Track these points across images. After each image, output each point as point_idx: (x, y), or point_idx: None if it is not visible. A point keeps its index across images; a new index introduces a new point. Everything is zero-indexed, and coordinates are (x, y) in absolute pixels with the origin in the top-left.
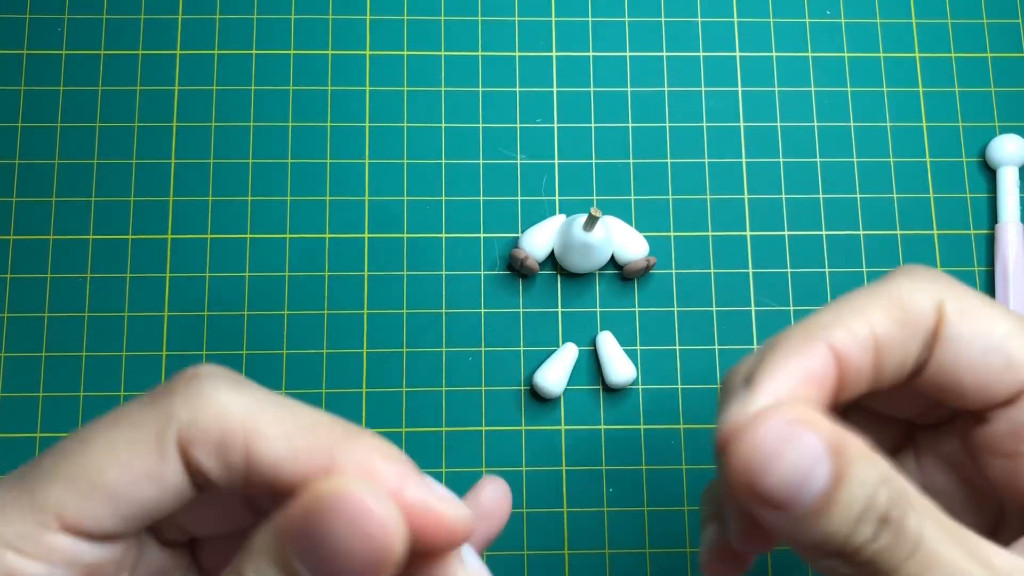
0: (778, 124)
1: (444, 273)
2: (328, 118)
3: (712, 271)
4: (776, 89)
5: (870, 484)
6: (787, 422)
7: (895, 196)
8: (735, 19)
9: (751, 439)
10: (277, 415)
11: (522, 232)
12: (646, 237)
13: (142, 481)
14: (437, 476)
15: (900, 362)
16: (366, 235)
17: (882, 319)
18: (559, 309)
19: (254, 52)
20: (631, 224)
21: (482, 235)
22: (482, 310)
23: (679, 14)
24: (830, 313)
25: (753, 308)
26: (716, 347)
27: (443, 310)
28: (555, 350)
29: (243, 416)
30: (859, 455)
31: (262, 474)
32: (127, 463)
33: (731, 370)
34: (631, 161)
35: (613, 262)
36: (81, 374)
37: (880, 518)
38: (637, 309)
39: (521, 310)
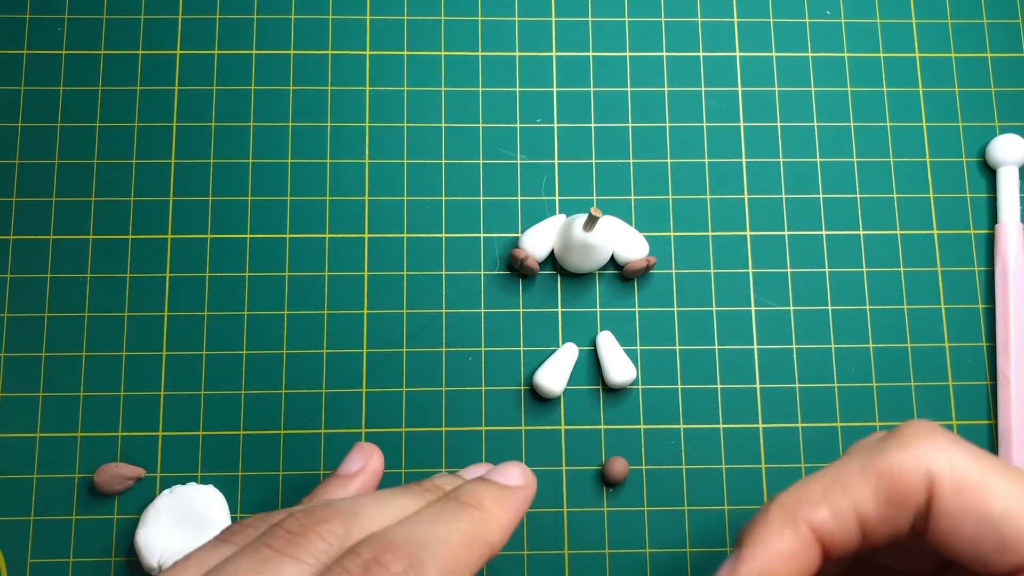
0: (778, 124)
1: (444, 273)
2: (328, 118)
3: (712, 271)
4: (776, 89)
5: None
6: None
7: (895, 196)
8: (735, 19)
9: None
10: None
11: (522, 232)
12: (646, 237)
13: None
14: None
15: (891, 533)
16: (366, 235)
17: (868, 497)
18: (559, 309)
19: (254, 52)
20: (631, 224)
21: (482, 235)
22: (482, 310)
23: (679, 14)
24: (819, 486)
25: (753, 308)
26: (716, 347)
27: (443, 310)
28: (555, 350)
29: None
30: None
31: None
32: None
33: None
34: (631, 161)
35: (613, 262)
36: (81, 374)
37: None
38: (637, 309)
39: (521, 310)
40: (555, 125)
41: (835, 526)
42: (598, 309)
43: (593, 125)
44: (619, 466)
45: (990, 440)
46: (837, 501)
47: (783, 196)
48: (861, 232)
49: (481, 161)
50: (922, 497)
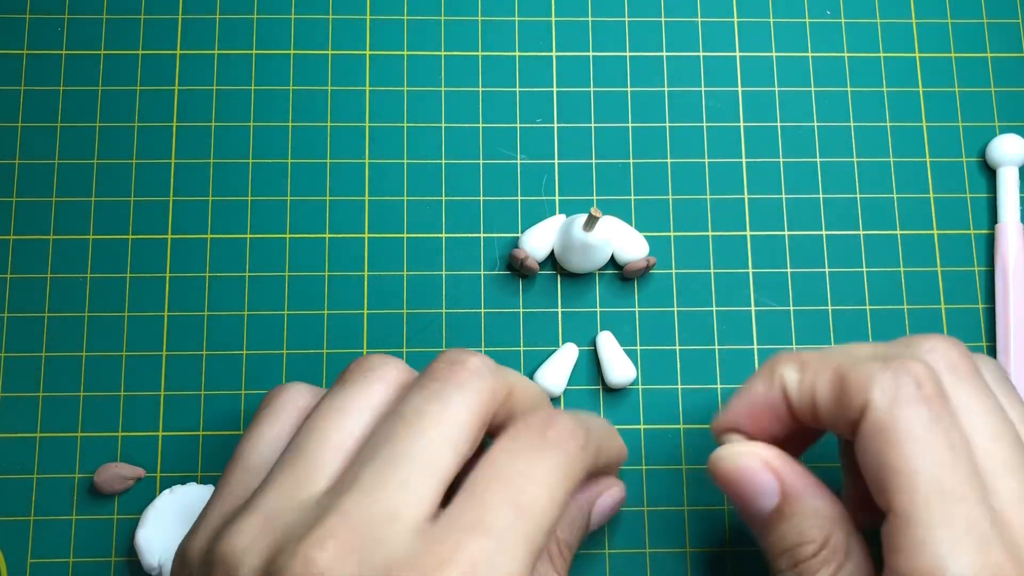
0: (778, 124)
1: (444, 273)
2: (328, 118)
3: (712, 271)
4: (776, 89)
5: (808, 516)
6: (757, 461)
7: (895, 196)
8: (735, 19)
9: (734, 467)
10: (527, 390)
11: (522, 232)
12: (646, 237)
13: None
14: None
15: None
16: (366, 235)
17: (825, 383)
18: (559, 309)
19: (254, 52)
20: (631, 224)
21: (482, 235)
22: (482, 310)
23: (679, 14)
24: (808, 357)
25: (753, 308)
26: (716, 347)
27: (443, 310)
28: (555, 350)
29: (515, 393)
30: (802, 493)
31: (508, 422)
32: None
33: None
34: (631, 161)
35: (613, 262)
36: (81, 374)
37: (815, 542)
38: (637, 309)
39: (521, 310)
40: (555, 125)
41: (795, 392)
42: (598, 309)
43: (593, 125)
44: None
45: None
46: (805, 374)
47: (783, 196)
48: (861, 232)
49: (481, 161)
50: (857, 414)
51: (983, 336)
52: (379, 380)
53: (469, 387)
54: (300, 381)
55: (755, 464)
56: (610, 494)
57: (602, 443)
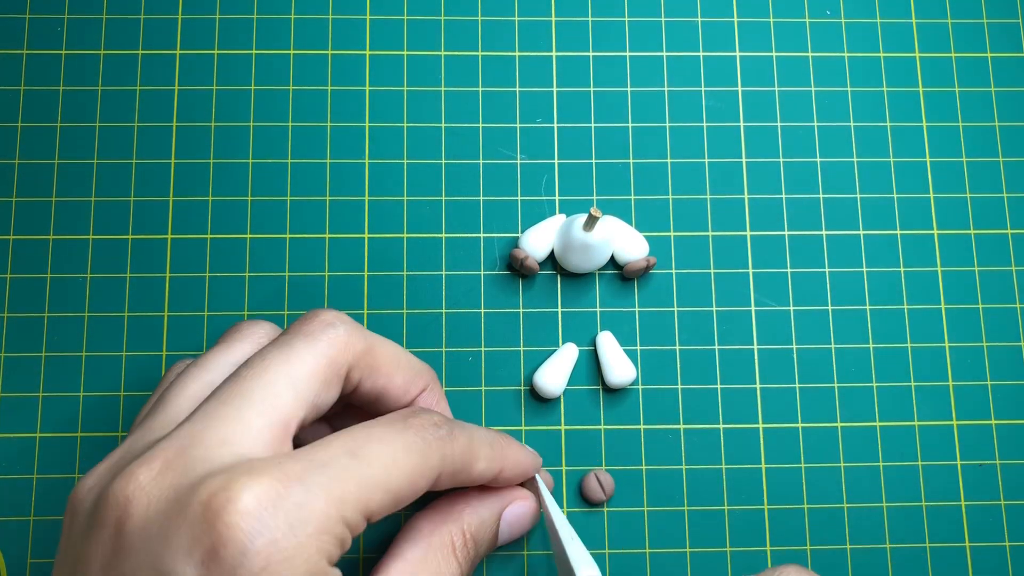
0: (778, 124)
1: (444, 273)
2: (328, 118)
3: (712, 271)
4: (776, 89)
5: None
6: None
7: (895, 196)
8: (735, 19)
9: None
10: (390, 350)
11: (522, 232)
12: (646, 237)
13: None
14: None
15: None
16: (366, 235)
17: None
18: (559, 309)
19: (254, 52)
20: (631, 224)
21: (482, 235)
22: (482, 310)
23: (679, 14)
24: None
25: (753, 308)
26: (716, 347)
27: (443, 310)
28: (555, 350)
29: (375, 351)
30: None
31: (380, 389)
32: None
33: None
34: (631, 161)
35: (613, 262)
36: (81, 374)
37: None
38: (637, 309)
39: (521, 310)
40: (555, 125)
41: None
42: (598, 309)
43: (593, 125)
44: (603, 481)
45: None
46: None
47: (783, 196)
48: (861, 232)
49: (481, 161)
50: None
51: (983, 336)
52: (245, 339)
53: (318, 337)
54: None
55: None
56: (520, 504)
57: (479, 449)
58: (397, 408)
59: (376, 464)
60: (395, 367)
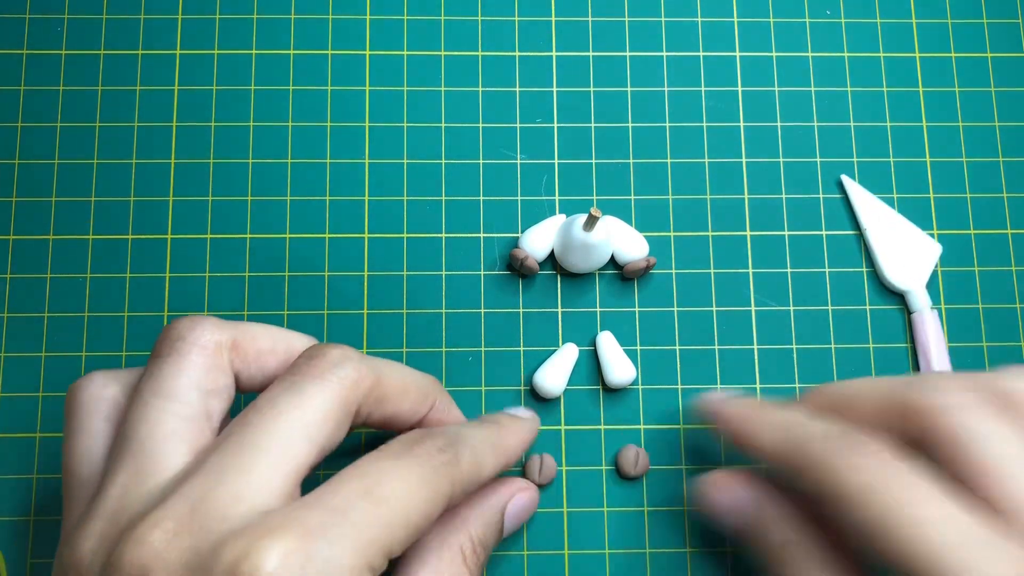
0: (778, 124)
1: (444, 273)
2: (328, 118)
3: (712, 271)
4: (776, 89)
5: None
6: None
7: (895, 196)
8: (735, 19)
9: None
10: (396, 377)
11: (522, 232)
12: (646, 237)
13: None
14: None
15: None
16: (366, 235)
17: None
18: (559, 309)
19: (254, 52)
20: (631, 224)
21: (482, 235)
22: (482, 310)
23: (679, 14)
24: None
25: (753, 308)
26: (716, 347)
27: (443, 310)
28: (555, 350)
29: (382, 383)
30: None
31: (388, 416)
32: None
33: None
34: (631, 161)
35: (613, 262)
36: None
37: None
38: (637, 309)
39: (521, 310)
40: (555, 125)
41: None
42: (598, 309)
43: (593, 125)
44: (637, 456)
45: None
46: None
47: (783, 196)
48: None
49: (481, 161)
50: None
51: (983, 336)
52: (192, 350)
53: (328, 378)
54: (98, 371)
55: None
56: (521, 496)
57: (484, 458)
58: (405, 430)
59: (394, 503)
60: (403, 395)
